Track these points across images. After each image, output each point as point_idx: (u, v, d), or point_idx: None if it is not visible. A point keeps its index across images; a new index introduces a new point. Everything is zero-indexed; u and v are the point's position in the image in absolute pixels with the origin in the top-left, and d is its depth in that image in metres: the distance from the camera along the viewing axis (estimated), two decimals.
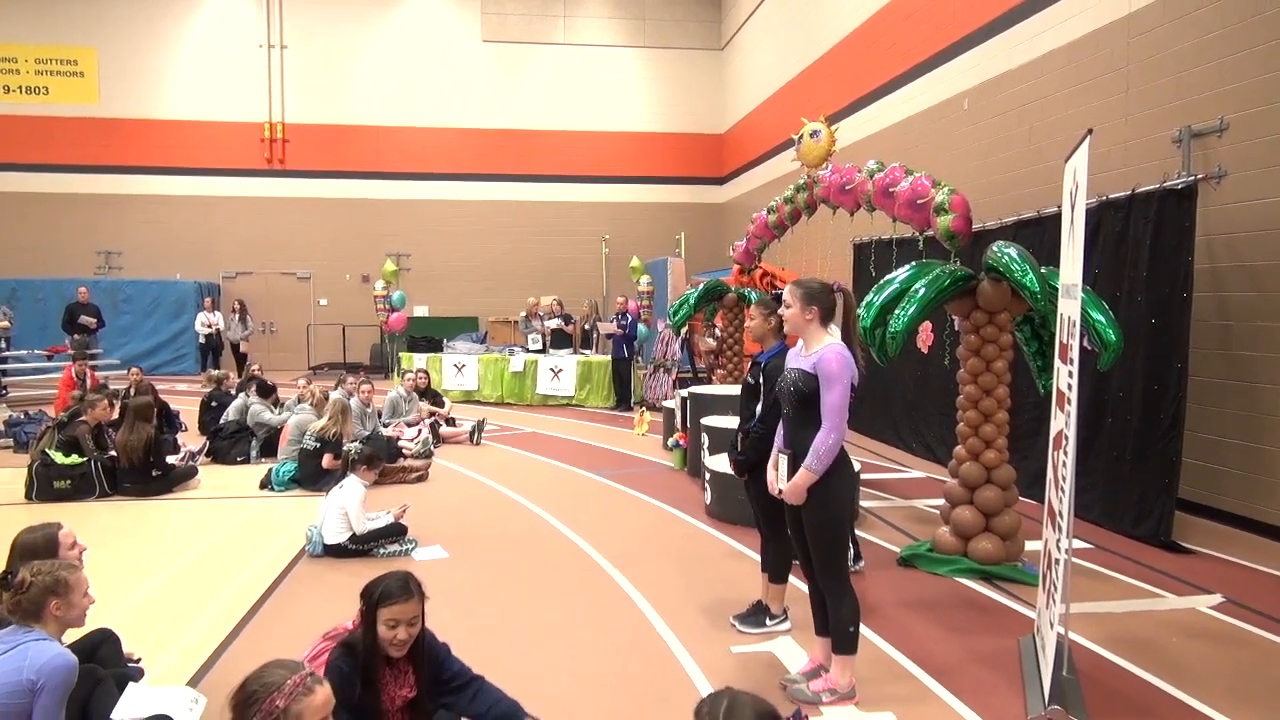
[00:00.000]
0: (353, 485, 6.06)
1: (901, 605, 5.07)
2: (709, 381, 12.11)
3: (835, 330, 3.80)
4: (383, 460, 6.42)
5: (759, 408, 4.47)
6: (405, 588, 3.04)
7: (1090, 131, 3.51)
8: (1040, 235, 7.71)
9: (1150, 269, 6.45)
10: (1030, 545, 5.85)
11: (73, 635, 3.52)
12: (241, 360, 18.12)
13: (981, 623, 4.87)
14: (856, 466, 4.94)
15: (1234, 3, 6.68)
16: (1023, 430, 7.30)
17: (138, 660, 3.93)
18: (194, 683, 4.02)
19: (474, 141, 21.71)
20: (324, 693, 2.21)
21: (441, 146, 21.58)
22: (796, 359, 3.82)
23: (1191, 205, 6.13)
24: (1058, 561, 3.71)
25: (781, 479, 3.83)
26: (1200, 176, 6.17)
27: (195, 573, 5.71)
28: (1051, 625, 3.71)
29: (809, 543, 3.80)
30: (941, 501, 7.43)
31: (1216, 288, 6.71)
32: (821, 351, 3.66)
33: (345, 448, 6.27)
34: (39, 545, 3.46)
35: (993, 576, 5.52)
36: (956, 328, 7.83)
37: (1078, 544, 6.14)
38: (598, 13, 22.10)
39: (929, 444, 9.64)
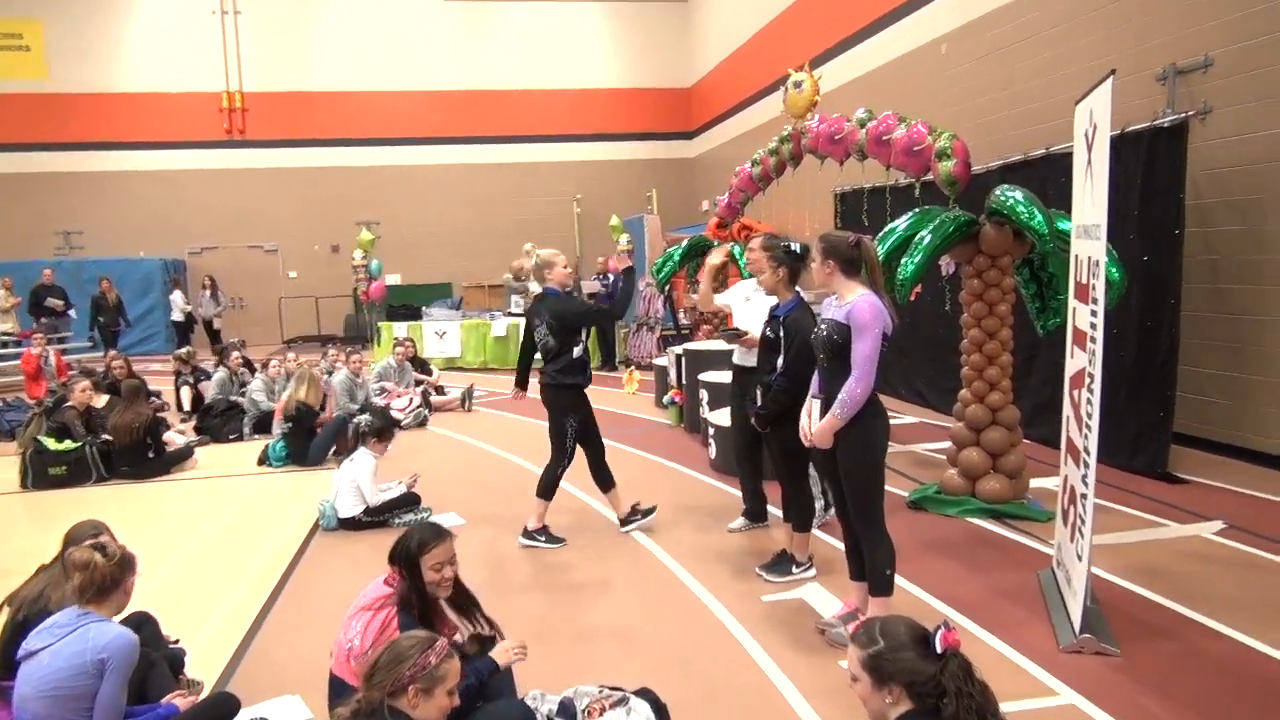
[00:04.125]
0: (363, 458, 6.04)
1: (919, 547, 5.18)
2: (692, 338, 12.14)
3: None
4: (393, 433, 6.40)
5: (780, 361, 4.51)
6: (438, 531, 3.19)
7: (1113, 72, 3.55)
8: (1028, 179, 7.76)
9: (1141, 207, 6.55)
10: (1035, 483, 6.01)
11: None
12: (215, 336, 17.87)
13: (997, 560, 5.00)
14: None
15: None
16: (1015, 371, 7.42)
17: (176, 641, 3.92)
18: (236, 658, 4.03)
19: (439, 104, 21.34)
20: (459, 664, 2.28)
21: (406, 110, 21.21)
22: (830, 309, 3.85)
23: (1182, 142, 6.21)
24: (1084, 497, 3.82)
25: (814, 423, 3.88)
26: (1191, 113, 6.25)
27: (212, 552, 5.69)
28: (1080, 558, 3.82)
29: (844, 487, 3.87)
30: (940, 445, 7.59)
31: (1203, 223, 6.83)
32: (854, 301, 3.70)
33: (355, 421, 6.25)
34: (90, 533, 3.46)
35: (1002, 515, 5.66)
36: (944, 273, 7.91)
37: None
38: None
39: (919, 390, 9.78)
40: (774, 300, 4.71)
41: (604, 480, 5.76)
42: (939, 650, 2.20)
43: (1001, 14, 9.38)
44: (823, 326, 3.85)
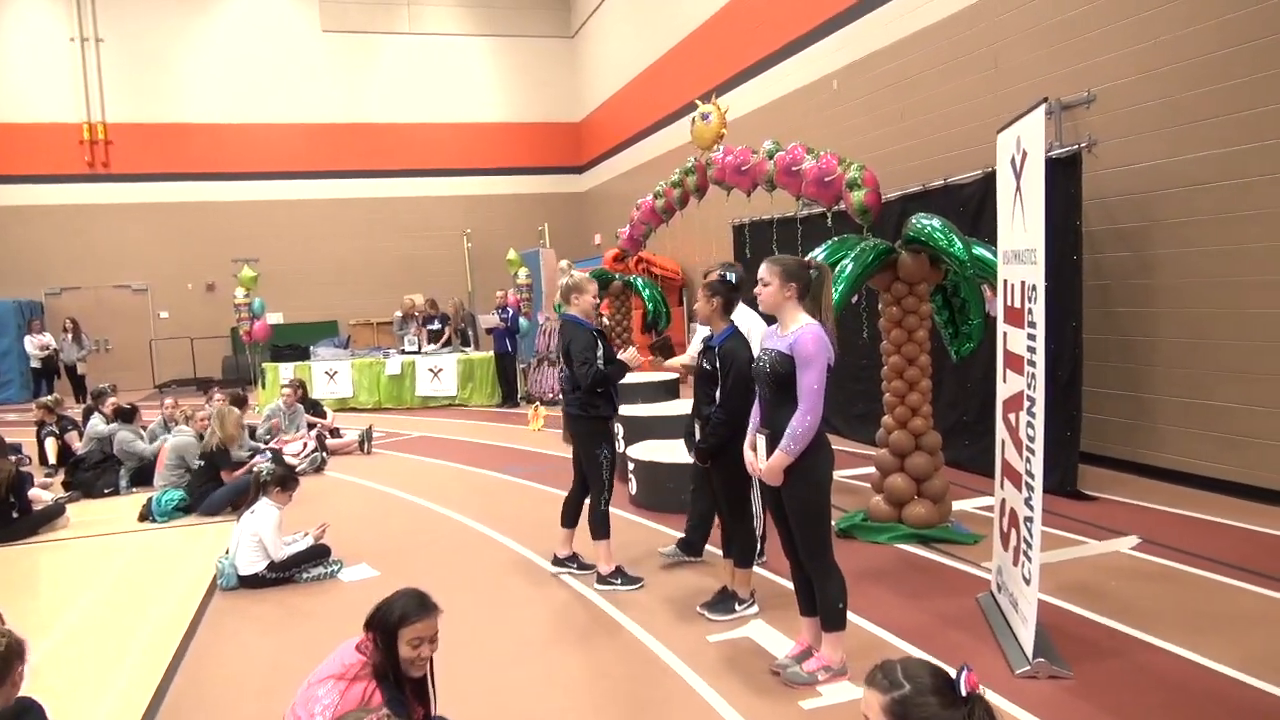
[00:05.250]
0: (266, 510, 5.60)
1: (854, 576, 5.05)
2: None
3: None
4: (297, 481, 5.97)
5: (717, 393, 4.41)
6: (423, 604, 2.91)
7: (1045, 99, 3.61)
8: (927, 208, 7.97)
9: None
10: (956, 505, 6.09)
11: None
12: (79, 383, 16.65)
13: (933, 585, 5.00)
14: None
15: None
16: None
17: None
18: None
19: (320, 137, 20.66)
20: None
21: (285, 143, 20.43)
22: (772, 339, 3.77)
23: (1077, 172, 6.48)
24: (1029, 520, 3.83)
25: (761, 459, 3.78)
26: (1083, 145, 6.54)
27: (97, 622, 5.13)
28: (1027, 581, 3.82)
29: (791, 523, 3.78)
30: (855, 471, 7.65)
31: (1093, 249, 7.15)
32: (798, 332, 3.63)
33: (258, 468, 5.80)
34: None
35: (929, 539, 5.69)
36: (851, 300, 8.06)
37: (991, 500, 6.43)
38: (442, 0, 21.44)
39: (826, 416, 9.85)
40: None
41: (571, 517, 5.48)
42: (964, 693, 2.08)
43: (892, 51, 9.70)
44: (764, 357, 3.77)
